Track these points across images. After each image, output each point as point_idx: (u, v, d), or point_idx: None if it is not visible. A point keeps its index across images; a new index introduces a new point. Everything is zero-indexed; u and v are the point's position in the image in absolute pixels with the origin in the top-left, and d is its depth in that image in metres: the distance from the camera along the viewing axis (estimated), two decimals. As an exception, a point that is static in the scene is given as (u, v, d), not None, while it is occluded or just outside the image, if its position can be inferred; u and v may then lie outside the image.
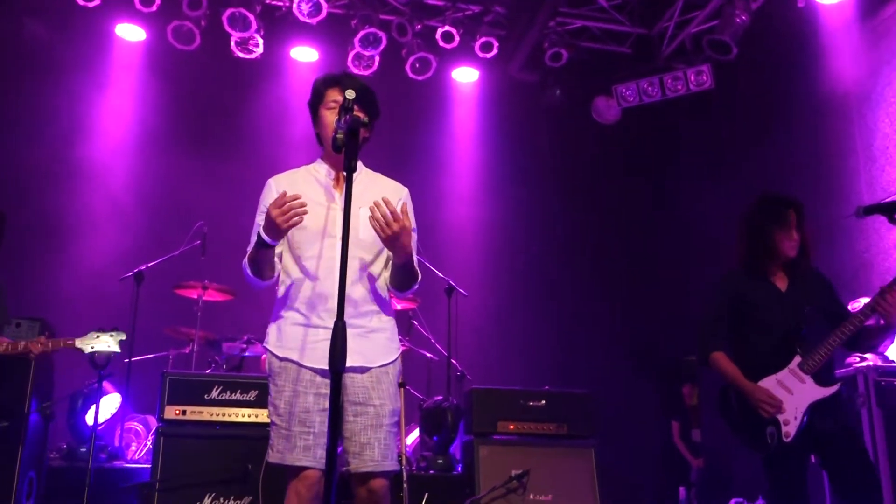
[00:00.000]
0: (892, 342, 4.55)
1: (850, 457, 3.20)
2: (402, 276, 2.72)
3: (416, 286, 2.78)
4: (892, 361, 4.60)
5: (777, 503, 3.29)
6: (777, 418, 3.22)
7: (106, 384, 4.78)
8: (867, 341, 3.44)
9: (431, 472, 4.75)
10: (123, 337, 3.72)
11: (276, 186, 2.78)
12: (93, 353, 3.86)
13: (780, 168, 6.25)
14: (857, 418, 4.34)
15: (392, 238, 2.53)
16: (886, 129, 5.43)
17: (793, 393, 3.24)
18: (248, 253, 2.69)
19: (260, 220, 2.73)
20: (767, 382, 3.28)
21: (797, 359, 3.28)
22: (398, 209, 2.77)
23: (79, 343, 3.64)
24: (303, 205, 2.45)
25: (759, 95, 6.62)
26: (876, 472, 3.55)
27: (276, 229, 2.48)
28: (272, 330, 2.74)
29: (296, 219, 2.46)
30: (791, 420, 3.20)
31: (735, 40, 6.14)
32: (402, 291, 2.79)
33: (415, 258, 2.81)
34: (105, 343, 3.65)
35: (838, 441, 3.23)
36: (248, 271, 2.68)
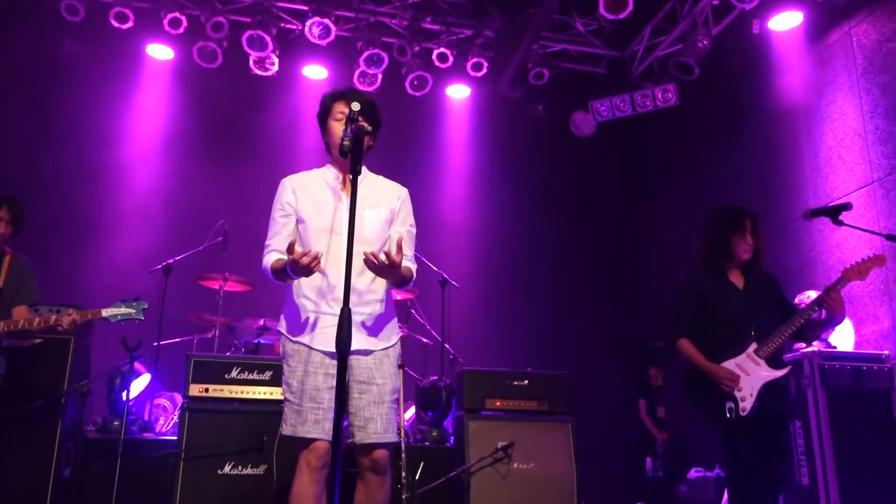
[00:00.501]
0: (832, 331, 4.58)
1: (772, 440, 3.27)
2: (397, 283, 2.74)
3: (411, 285, 2.77)
4: (835, 347, 4.64)
5: (732, 471, 3.31)
6: (735, 395, 3.24)
7: (137, 365, 4.74)
8: (812, 332, 3.49)
9: (427, 444, 4.74)
10: (146, 305, 3.48)
11: (291, 185, 2.78)
12: (124, 337, 3.82)
13: (735, 176, 6.26)
14: (803, 398, 4.36)
15: (387, 274, 2.56)
16: (830, 142, 5.45)
17: (749, 374, 3.26)
18: (271, 262, 2.67)
19: (276, 215, 2.76)
20: (728, 365, 3.29)
21: (753, 345, 3.30)
22: (398, 208, 2.79)
23: (105, 312, 3.42)
24: (315, 257, 2.44)
25: (718, 111, 6.64)
26: (785, 456, 3.63)
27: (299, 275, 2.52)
28: (286, 317, 2.73)
29: (315, 270, 2.47)
30: (747, 397, 3.22)
31: (697, 62, 6.16)
32: (400, 289, 2.81)
33: (412, 254, 2.80)
34: (129, 311, 3.44)
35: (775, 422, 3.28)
36: (270, 277, 2.68)
